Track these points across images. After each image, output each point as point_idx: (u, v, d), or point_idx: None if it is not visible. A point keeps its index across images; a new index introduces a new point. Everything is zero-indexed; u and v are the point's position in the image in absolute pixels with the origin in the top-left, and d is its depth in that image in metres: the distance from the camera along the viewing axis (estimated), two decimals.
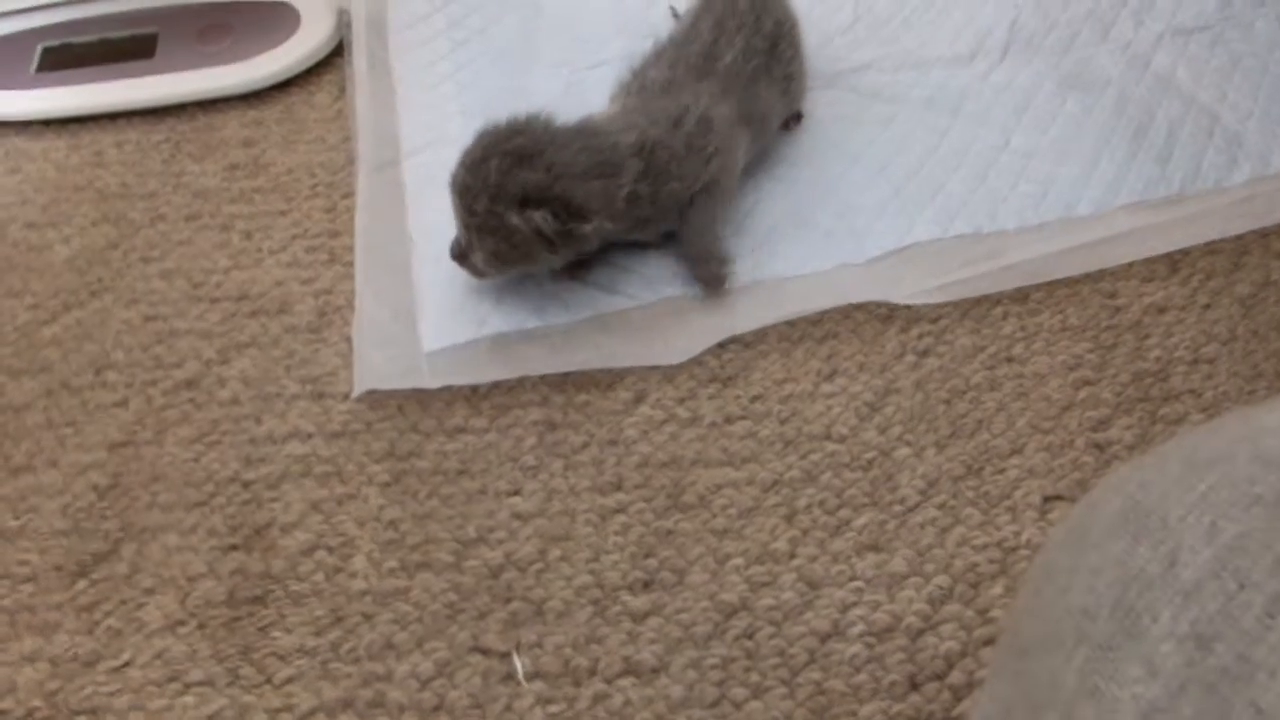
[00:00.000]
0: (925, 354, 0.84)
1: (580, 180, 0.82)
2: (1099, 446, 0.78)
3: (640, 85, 0.92)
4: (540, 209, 0.81)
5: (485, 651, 0.69)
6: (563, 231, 0.82)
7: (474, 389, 0.83)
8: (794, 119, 1.01)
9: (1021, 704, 0.38)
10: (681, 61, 0.92)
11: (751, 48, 0.94)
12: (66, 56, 1.13)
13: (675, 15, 1.11)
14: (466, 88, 1.09)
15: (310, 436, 0.81)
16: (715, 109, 0.89)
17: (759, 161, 0.97)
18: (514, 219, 0.81)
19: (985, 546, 0.73)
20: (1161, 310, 0.87)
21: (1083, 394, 0.81)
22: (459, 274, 0.91)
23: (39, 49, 1.14)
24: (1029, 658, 0.39)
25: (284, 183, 1.02)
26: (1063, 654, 0.37)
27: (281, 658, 0.69)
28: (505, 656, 0.69)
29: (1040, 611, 0.40)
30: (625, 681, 0.67)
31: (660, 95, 0.89)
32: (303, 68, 1.13)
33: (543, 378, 0.83)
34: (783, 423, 0.80)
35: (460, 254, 0.86)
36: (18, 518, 0.78)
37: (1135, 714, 0.33)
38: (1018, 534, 0.73)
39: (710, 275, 0.86)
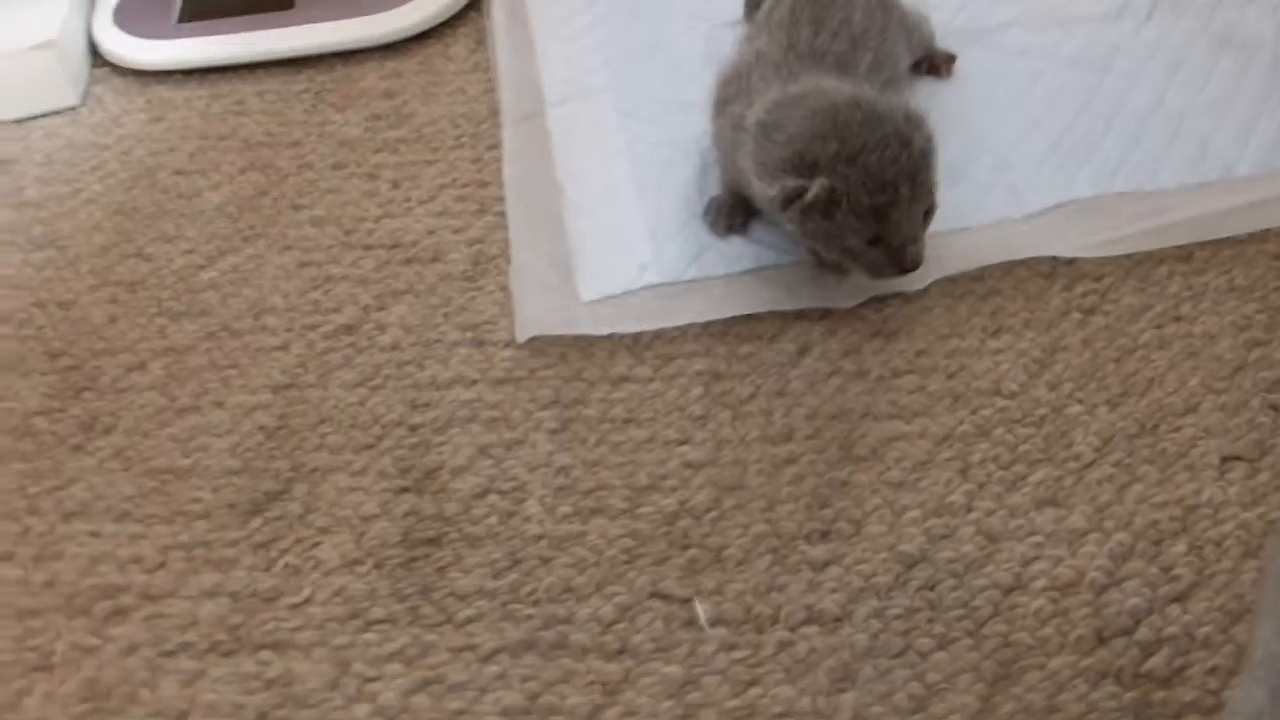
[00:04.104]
0: (1091, 312, 0.83)
1: None
2: (1275, 408, 0.77)
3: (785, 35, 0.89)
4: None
5: (665, 597, 0.69)
6: None
7: (635, 339, 0.83)
8: (947, 62, 1.00)
9: None
10: (824, 25, 0.89)
11: (869, 3, 0.92)
12: (207, 7, 1.15)
13: None
14: (607, 41, 1.09)
15: (474, 383, 0.81)
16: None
17: None
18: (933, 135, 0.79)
19: (1165, 504, 0.72)
20: None
21: (1255, 354, 0.80)
22: (613, 224, 0.91)
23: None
24: None
25: (427, 133, 1.03)
26: None
27: (461, 598, 0.70)
28: (686, 602, 0.69)
29: None
30: (809, 629, 0.67)
31: (825, 65, 0.86)
32: (440, 19, 1.13)
33: (705, 328, 0.83)
34: (950, 378, 0.79)
35: (921, 247, 0.79)
36: (187, 456, 0.79)
37: None
38: (1198, 492, 0.72)
39: None
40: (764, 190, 0.79)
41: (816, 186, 0.76)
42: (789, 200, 0.77)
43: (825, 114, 0.78)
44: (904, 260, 0.78)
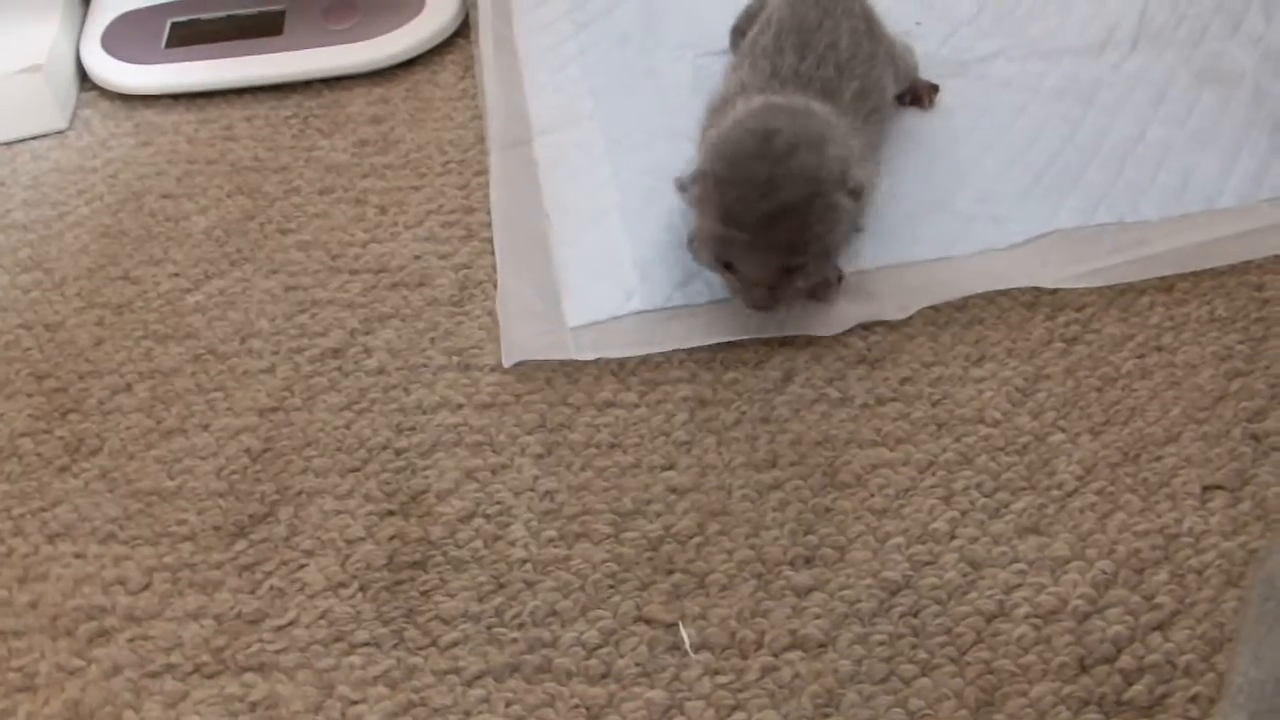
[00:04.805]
0: (1073, 341, 0.84)
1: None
2: (1256, 438, 0.77)
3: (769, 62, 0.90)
4: (849, 185, 0.79)
5: (650, 621, 0.69)
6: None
7: (621, 364, 0.83)
8: (929, 92, 1.01)
9: None
10: (809, 51, 0.90)
11: (856, 30, 0.93)
12: (195, 32, 1.15)
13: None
14: (594, 70, 1.09)
15: (460, 407, 0.82)
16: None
17: (893, 145, 0.97)
18: (844, 200, 0.78)
19: (1147, 533, 0.72)
20: None
21: (1236, 385, 0.80)
22: (599, 251, 0.91)
23: (168, 24, 1.15)
24: None
25: (414, 159, 1.03)
26: None
27: (446, 621, 0.70)
28: (670, 627, 0.69)
29: None
30: (793, 655, 0.67)
31: (810, 92, 0.87)
32: (428, 47, 1.13)
33: (690, 354, 0.83)
34: (934, 405, 0.80)
35: (772, 296, 0.79)
36: (173, 478, 0.79)
37: None
38: (1179, 521, 0.73)
39: None
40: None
41: (687, 193, 0.81)
42: (680, 188, 0.83)
43: (740, 130, 0.80)
44: (747, 297, 0.80)
